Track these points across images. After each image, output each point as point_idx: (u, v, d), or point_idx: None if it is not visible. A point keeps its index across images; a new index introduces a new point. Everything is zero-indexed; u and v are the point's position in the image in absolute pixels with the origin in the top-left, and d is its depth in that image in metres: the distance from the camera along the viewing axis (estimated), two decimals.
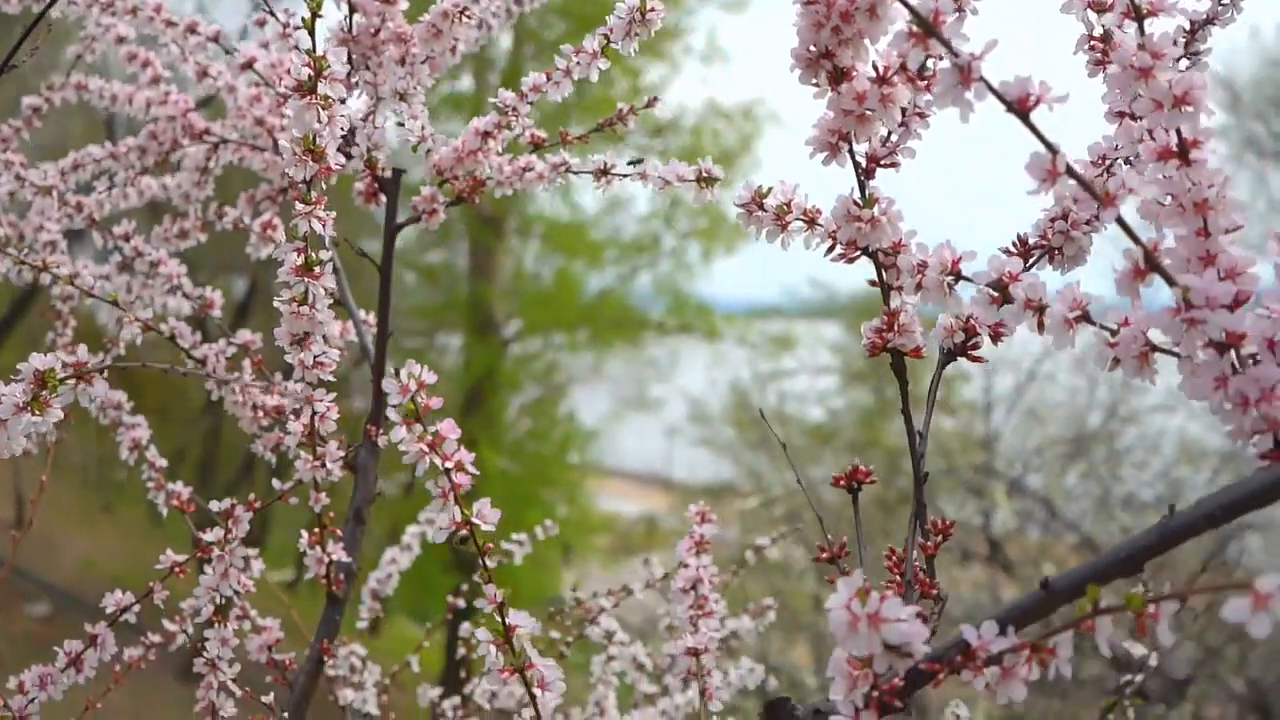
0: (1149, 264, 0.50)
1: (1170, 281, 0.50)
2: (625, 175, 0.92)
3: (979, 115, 0.52)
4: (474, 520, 0.62)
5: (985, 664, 0.50)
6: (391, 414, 0.60)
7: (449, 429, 0.61)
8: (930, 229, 0.62)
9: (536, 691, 0.64)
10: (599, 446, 12.10)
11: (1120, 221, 0.50)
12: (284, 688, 0.98)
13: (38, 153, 1.40)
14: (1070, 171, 0.49)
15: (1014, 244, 0.67)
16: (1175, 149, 0.52)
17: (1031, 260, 0.67)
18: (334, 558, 0.95)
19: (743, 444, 9.80)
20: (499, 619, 0.64)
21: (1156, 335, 0.54)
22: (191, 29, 1.08)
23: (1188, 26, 0.71)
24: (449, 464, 0.61)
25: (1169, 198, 0.53)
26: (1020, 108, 0.50)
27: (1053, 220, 0.67)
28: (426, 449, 0.60)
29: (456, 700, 1.31)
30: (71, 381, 0.66)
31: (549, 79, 0.90)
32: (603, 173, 0.93)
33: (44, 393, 0.66)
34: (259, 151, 1.15)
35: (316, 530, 0.94)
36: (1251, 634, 0.40)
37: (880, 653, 0.50)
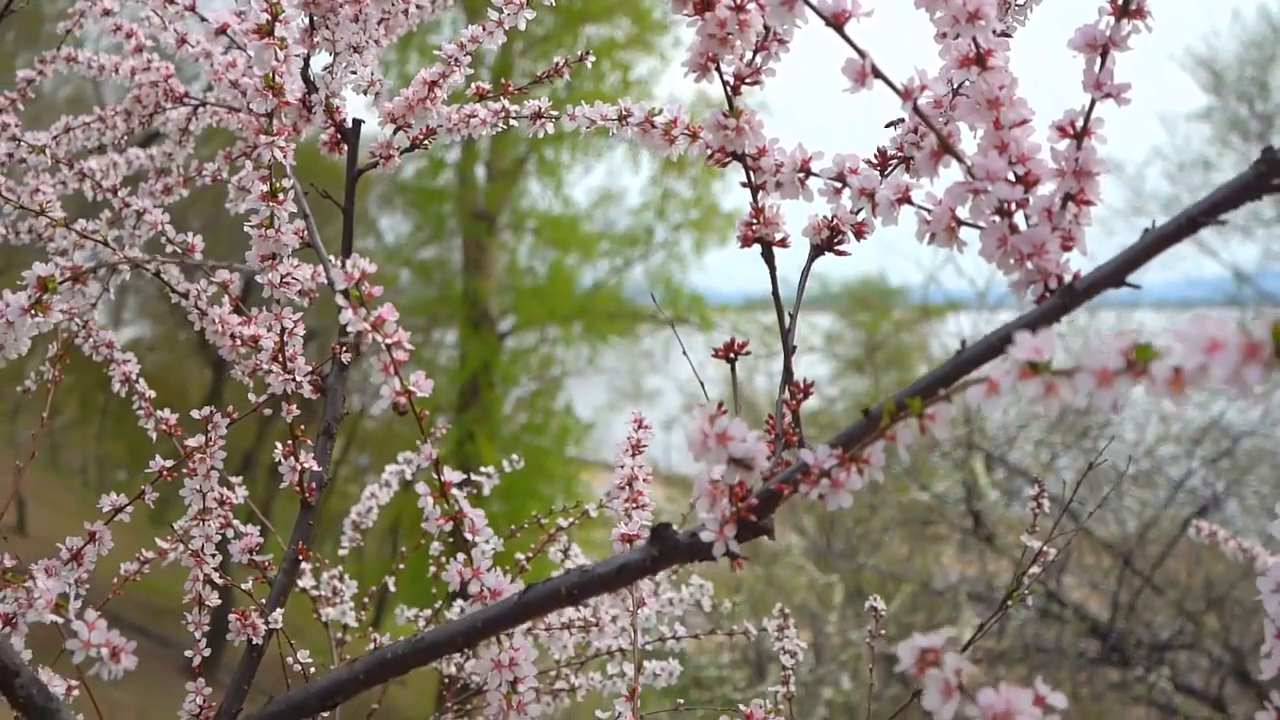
0: (943, 147, 0.62)
1: (960, 160, 0.61)
2: (555, 117, 1.03)
3: None
4: (412, 388, 0.73)
5: (819, 478, 0.62)
6: (339, 299, 0.71)
7: (389, 312, 0.72)
8: None
9: (469, 536, 0.75)
10: (595, 439, 12.20)
11: (918, 112, 0.62)
12: (264, 585, 1.10)
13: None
14: (875, 72, 0.61)
15: (874, 154, 0.79)
16: (973, 57, 0.64)
17: (890, 168, 0.79)
18: (306, 467, 1.06)
19: None
20: (435, 475, 0.75)
21: (963, 213, 0.65)
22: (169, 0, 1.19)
23: None
24: (390, 341, 0.72)
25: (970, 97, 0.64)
26: (836, 21, 0.61)
27: (908, 134, 0.78)
28: (370, 328, 0.71)
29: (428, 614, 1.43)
30: (69, 283, 0.78)
31: (484, 29, 1.01)
32: (537, 116, 1.04)
33: (45, 296, 0.77)
34: (235, 112, 1.26)
35: (290, 442, 1.06)
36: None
37: (727, 466, 0.61)
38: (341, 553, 1.47)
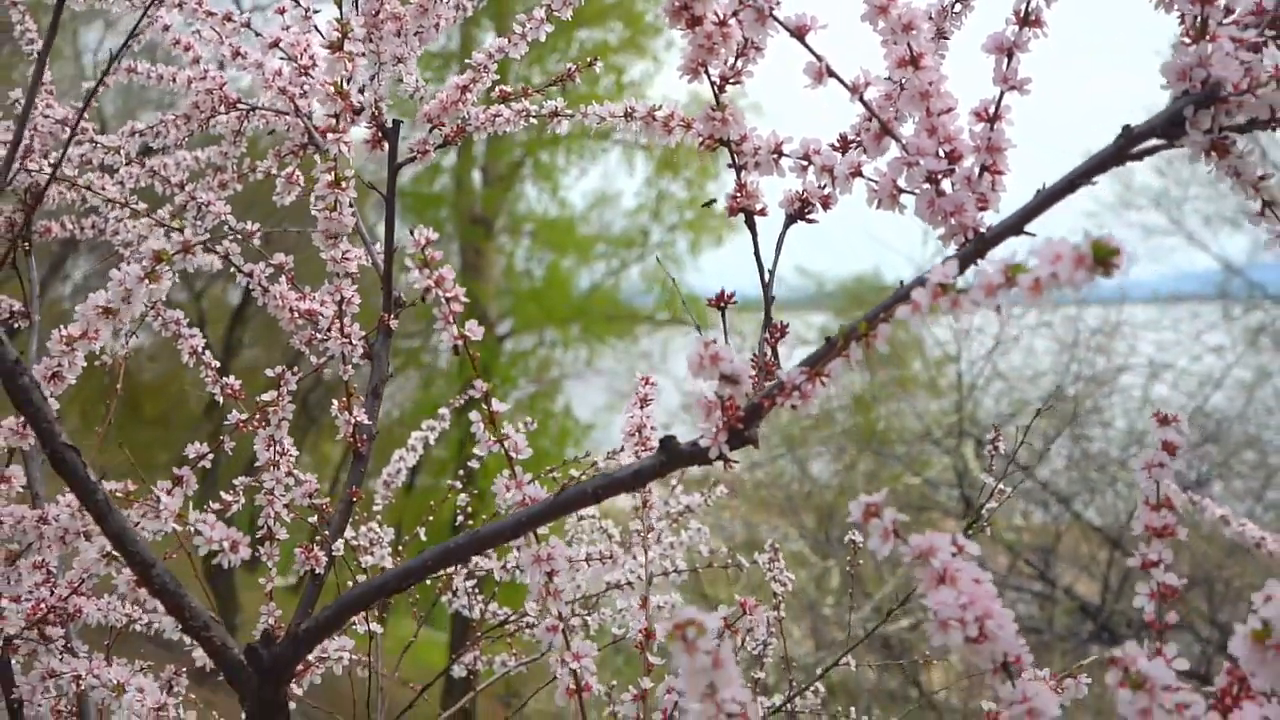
0: (884, 130, 0.79)
1: (897, 140, 0.78)
2: (570, 115, 1.21)
3: None
4: (466, 333, 0.90)
5: (792, 391, 0.78)
6: (408, 261, 0.88)
7: (448, 272, 0.89)
8: None
9: (513, 454, 0.92)
10: (595, 440, 12.35)
11: (864, 103, 0.79)
12: (324, 524, 1.27)
13: None
14: (830, 72, 0.78)
15: (838, 138, 0.96)
16: (909, 59, 0.81)
17: (850, 150, 0.95)
18: (358, 420, 1.23)
19: None
20: (485, 406, 0.92)
21: (902, 182, 0.82)
22: (228, 18, 1.36)
23: None
24: (448, 295, 0.89)
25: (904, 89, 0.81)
26: (799, 33, 0.78)
27: (862, 121, 0.95)
28: (433, 285, 0.88)
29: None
30: (181, 254, 0.94)
31: (509, 41, 1.18)
32: (553, 114, 1.21)
33: (159, 266, 0.94)
34: (282, 115, 1.43)
35: (345, 399, 1.23)
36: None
37: (719, 382, 0.78)
38: (376, 509, 1.64)
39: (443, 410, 1.83)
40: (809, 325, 11.13)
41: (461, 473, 1.67)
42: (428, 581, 1.59)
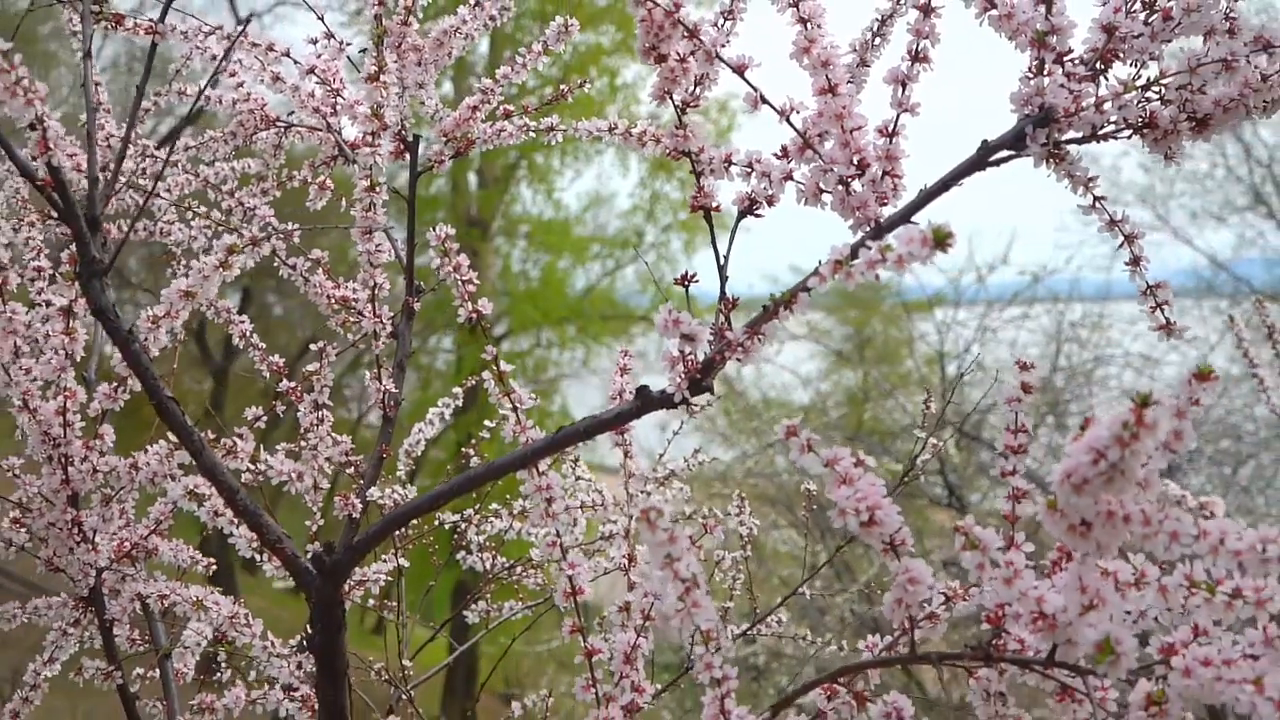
0: (805, 144, 1.02)
1: (816, 152, 1.01)
2: (564, 130, 1.43)
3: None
4: (479, 309, 1.13)
5: (736, 347, 1.01)
6: (431, 250, 1.10)
7: (463, 259, 1.12)
8: None
9: (518, 405, 1.15)
10: (592, 440, 12.48)
11: (790, 123, 1.01)
12: (358, 478, 1.49)
13: None
14: (763, 99, 1.00)
15: (779, 148, 1.18)
16: (827, 88, 1.03)
17: (791, 161, 1.18)
18: (388, 388, 1.46)
19: (732, 430, 10.21)
20: (496, 367, 1.15)
21: (822, 185, 1.05)
22: (270, 48, 1.58)
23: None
24: (464, 278, 1.12)
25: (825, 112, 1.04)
26: (739, 70, 1.01)
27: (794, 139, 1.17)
28: (452, 270, 1.11)
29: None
30: (250, 247, 1.17)
31: (512, 69, 1.41)
32: (550, 129, 1.44)
33: (230, 257, 1.17)
34: (315, 131, 1.65)
35: (375, 370, 1.45)
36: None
37: (680, 340, 1.00)
38: (399, 474, 1.87)
39: (456, 389, 2.05)
40: (801, 323, 11.35)
41: (473, 441, 1.90)
42: (446, 527, 1.82)
